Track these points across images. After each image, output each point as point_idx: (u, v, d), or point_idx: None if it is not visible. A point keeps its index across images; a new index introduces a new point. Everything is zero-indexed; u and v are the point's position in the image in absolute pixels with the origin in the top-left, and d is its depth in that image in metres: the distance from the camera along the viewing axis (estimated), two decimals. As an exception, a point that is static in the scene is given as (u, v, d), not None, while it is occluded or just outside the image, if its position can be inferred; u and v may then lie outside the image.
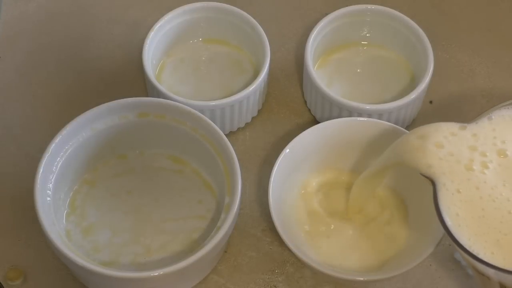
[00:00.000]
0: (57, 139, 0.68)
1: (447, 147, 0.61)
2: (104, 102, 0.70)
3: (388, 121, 0.73)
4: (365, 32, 0.80)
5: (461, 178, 0.60)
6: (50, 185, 0.67)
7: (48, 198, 0.66)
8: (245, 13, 0.78)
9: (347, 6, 0.79)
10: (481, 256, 0.57)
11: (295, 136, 0.70)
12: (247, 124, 0.78)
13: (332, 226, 0.69)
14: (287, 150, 0.70)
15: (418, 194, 0.68)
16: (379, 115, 0.73)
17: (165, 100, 0.71)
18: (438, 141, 0.61)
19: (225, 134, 0.69)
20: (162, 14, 0.78)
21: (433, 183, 0.60)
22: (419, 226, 0.68)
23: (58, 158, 0.68)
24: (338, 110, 0.74)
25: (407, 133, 0.64)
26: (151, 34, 0.76)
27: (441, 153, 0.61)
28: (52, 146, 0.67)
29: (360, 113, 0.73)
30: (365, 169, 0.69)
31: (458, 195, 0.59)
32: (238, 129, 0.78)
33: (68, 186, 0.71)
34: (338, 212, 0.70)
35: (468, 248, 0.57)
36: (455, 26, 0.85)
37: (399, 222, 0.69)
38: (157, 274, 0.62)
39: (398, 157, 0.63)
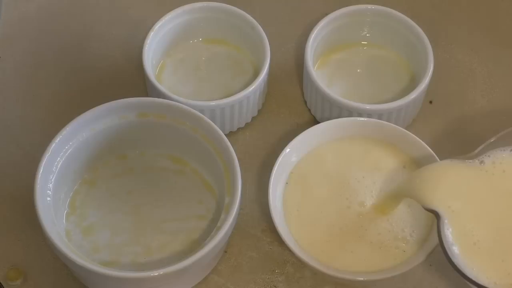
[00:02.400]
0: (57, 139, 0.68)
1: (445, 185, 0.64)
2: (104, 102, 0.70)
3: (388, 121, 0.73)
4: (365, 32, 0.80)
5: (460, 214, 0.63)
6: (50, 185, 0.67)
7: (48, 198, 0.66)
8: (245, 13, 0.78)
9: (347, 6, 0.79)
10: (486, 285, 0.60)
11: (295, 136, 0.70)
12: (247, 124, 0.78)
13: (333, 226, 0.69)
14: (287, 150, 0.70)
15: None
16: (379, 115, 0.73)
17: (165, 100, 0.71)
18: (438, 180, 0.64)
19: (225, 134, 0.69)
20: (162, 14, 0.78)
21: (437, 216, 0.62)
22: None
23: (58, 158, 0.68)
24: (338, 110, 0.74)
25: (412, 173, 0.68)
26: (151, 34, 0.76)
27: (441, 191, 0.64)
28: (52, 146, 0.67)
29: (360, 113, 0.73)
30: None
31: (459, 229, 0.62)
32: (238, 129, 0.78)
33: (68, 186, 0.71)
34: (339, 212, 0.70)
35: (474, 278, 0.61)
36: (455, 26, 0.85)
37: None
38: (157, 274, 0.62)
39: (404, 193, 0.67)
